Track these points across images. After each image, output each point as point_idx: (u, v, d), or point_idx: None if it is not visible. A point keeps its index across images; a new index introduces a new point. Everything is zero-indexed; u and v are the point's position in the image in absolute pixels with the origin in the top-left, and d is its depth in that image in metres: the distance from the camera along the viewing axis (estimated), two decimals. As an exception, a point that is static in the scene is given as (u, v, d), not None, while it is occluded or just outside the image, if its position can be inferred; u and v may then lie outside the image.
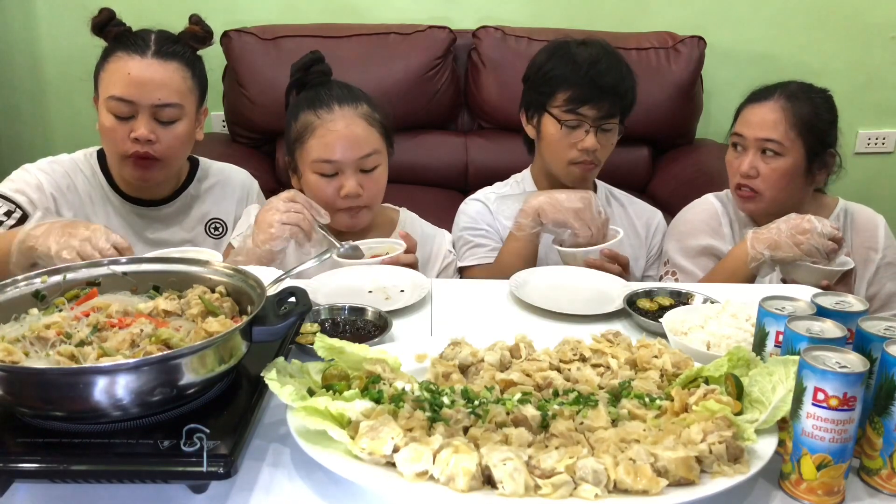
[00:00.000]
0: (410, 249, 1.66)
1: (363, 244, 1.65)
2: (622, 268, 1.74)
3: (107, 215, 1.85)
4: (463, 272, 1.94)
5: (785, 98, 1.89)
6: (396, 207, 1.96)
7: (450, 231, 2.00)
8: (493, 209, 1.98)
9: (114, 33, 1.75)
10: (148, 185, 1.84)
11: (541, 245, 1.87)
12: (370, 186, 1.75)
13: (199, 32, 1.81)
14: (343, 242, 1.59)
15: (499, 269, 1.78)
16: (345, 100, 1.75)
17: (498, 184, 2.11)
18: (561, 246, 1.74)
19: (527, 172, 2.09)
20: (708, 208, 2.02)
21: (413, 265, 1.65)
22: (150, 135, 1.71)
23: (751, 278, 1.73)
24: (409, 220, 1.94)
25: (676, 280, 1.91)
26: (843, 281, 1.69)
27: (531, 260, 1.80)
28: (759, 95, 1.94)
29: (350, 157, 1.72)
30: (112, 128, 1.73)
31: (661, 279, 1.96)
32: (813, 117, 1.89)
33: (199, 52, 1.83)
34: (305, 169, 1.76)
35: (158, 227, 1.89)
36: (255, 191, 2.02)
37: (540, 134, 1.97)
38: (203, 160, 1.98)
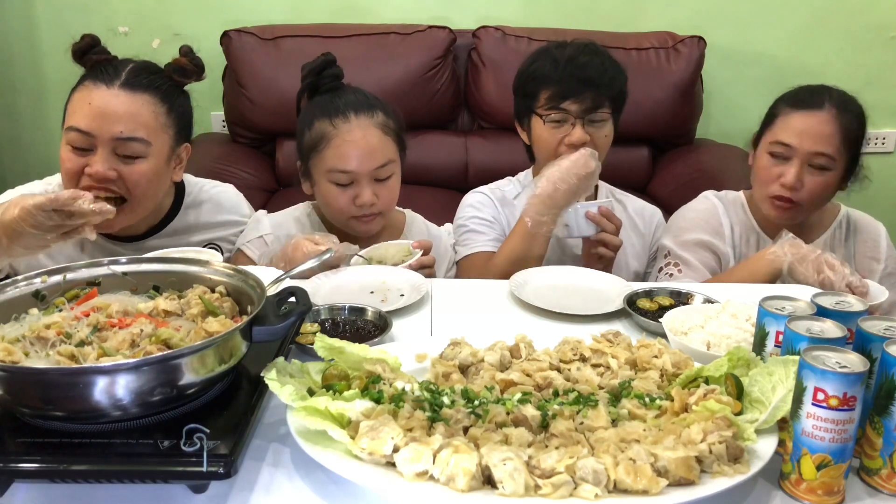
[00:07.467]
0: (427, 250, 1.68)
1: (380, 248, 1.69)
2: (616, 229, 1.79)
3: (80, 253, 1.69)
4: (460, 262, 1.93)
5: (837, 108, 1.78)
6: (402, 209, 1.97)
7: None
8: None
9: (92, 62, 1.60)
10: (113, 231, 1.64)
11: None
12: (384, 195, 1.76)
13: (186, 66, 1.63)
14: (362, 255, 1.65)
15: (504, 260, 1.76)
16: (360, 108, 1.74)
17: (500, 181, 2.10)
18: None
19: (528, 172, 2.08)
20: (709, 207, 1.98)
21: (433, 265, 1.69)
22: (109, 172, 1.54)
23: (768, 281, 1.69)
24: (415, 221, 1.95)
25: (680, 271, 1.87)
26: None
27: (537, 258, 1.77)
28: (807, 101, 1.80)
29: (366, 168, 1.72)
30: (67, 158, 1.55)
31: (660, 271, 1.92)
32: (857, 129, 1.80)
33: (190, 86, 1.67)
34: (320, 177, 1.76)
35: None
36: (243, 207, 1.90)
37: (532, 138, 1.96)
38: (189, 184, 1.81)
